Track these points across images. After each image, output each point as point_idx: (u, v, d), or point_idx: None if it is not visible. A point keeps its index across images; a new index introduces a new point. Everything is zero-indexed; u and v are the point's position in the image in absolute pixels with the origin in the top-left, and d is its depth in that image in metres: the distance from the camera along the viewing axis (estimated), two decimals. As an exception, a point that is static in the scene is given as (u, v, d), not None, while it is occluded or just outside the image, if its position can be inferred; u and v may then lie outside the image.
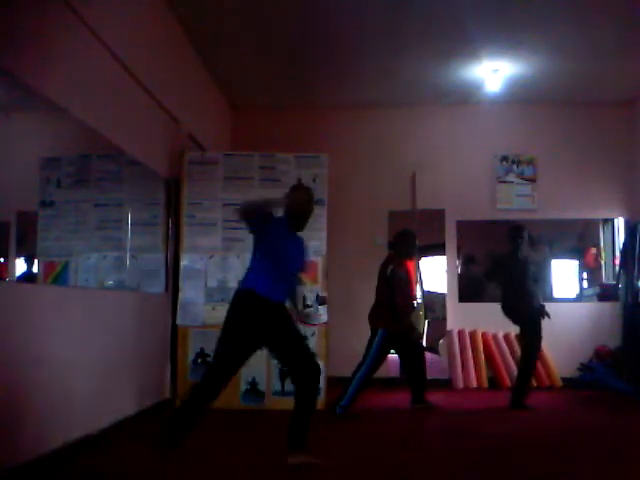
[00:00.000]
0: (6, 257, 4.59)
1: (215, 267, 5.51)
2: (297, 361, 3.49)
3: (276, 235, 3.51)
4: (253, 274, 3.51)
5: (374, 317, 5.37)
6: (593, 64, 6.42)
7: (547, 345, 6.19)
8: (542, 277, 5.78)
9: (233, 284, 5.45)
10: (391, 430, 4.71)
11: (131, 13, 4.64)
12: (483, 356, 7.08)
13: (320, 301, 5.46)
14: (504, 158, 7.56)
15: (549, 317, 5.53)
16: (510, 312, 5.59)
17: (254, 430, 4.58)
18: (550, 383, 6.93)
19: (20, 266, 4.79)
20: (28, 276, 4.78)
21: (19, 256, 4.68)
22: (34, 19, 3.31)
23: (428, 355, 5.81)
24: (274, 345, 3.54)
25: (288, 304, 3.66)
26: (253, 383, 5.36)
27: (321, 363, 5.27)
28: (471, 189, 7.49)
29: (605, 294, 7.46)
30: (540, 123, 7.53)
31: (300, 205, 3.56)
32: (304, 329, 5.36)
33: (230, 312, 3.48)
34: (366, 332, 5.36)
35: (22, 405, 3.24)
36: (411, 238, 5.53)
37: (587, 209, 7.50)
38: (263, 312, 3.44)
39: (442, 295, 7.55)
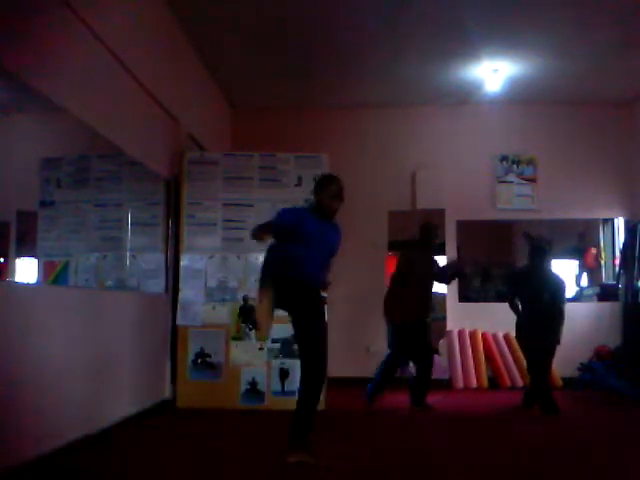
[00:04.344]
0: (6, 257, 4.60)
1: (215, 267, 5.51)
2: (308, 355, 3.54)
3: (309, 229, 3.68)
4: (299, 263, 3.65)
5: (384, 309, 5.53)
6: (593, 64, 6.42)
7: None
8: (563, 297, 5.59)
9: (233, 284, 5.47)
10: (391, 430, 4.71)
11: (131, 13, 4.64)
12: (483, 356, 7.09)
13: (320, 301, 5.46)
14: (504, 158, 7.56)
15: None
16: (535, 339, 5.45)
17: (254, 430, 4.57)
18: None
19: (27, 266, 4.81)
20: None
21: (19, 256, 4.69)
22: (34, 19, 3.31)
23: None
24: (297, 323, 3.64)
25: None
26: (253, 383, 5.36)
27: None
28: (471, 189, 7.49)
29: (605, 294, 7.46)
30: (540, 123, 7.53)
31: (326, 201, 3.74)
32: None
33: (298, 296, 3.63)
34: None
35: (22, 405, 3.24)
36: (426, 231, 5.62)
37: (587, 209, 7.50)
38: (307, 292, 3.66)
39: (442, 295, 7.54)
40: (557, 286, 5.51)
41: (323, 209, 3.74)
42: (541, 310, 5.43)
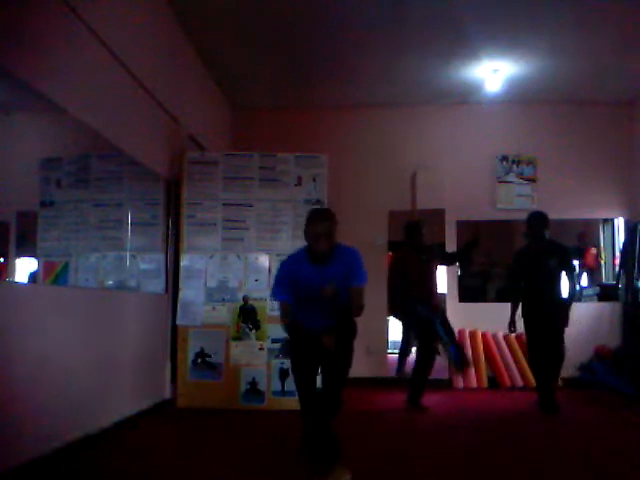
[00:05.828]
0: (6, 257, 4.61)
1: (215, 267, 5.51)
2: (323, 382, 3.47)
3: (302, 277, 3.36)
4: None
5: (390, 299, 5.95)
6: (593, 64, 6.42)
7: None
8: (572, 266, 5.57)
9: (233, 284, 5.47)
10: (389, 431, 4.72)
11: (131, 13, 4.64)
12: (483, 356, 7.09)
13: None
14: (504, 158, 7.56)
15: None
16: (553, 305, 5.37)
17: (254, 430, 4.58)
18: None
19: (27, 265, 4.81)
20: (36, 275, 4.82)
21: (19, 256, 4.70)
22: (34, 19, 3.31)
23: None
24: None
25: None
26: (253, 383, 5.36)
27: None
28: (471, 189, 7.49)
29: (605, 294, 7.46)
30: (540, 123, 7.53)
31: (310, 241, 3.33)
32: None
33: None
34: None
35: (22, 405, 3.24)
36: (410, 229, 5.71)
37: (587, 209, 7.50)
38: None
39: (442, 295, 7.54)
40: (562, 251, 5.44)
41: (310, 250, 3.33)
42: (548, 280, 5.36)
